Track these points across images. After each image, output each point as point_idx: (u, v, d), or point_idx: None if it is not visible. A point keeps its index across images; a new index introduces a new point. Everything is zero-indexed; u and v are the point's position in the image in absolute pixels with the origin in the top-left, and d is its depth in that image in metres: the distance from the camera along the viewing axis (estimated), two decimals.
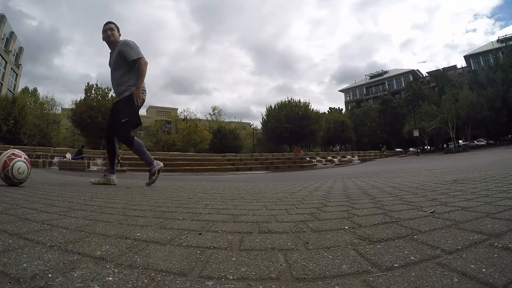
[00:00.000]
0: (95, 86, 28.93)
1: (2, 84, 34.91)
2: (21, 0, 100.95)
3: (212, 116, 46.17)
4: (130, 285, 0.40)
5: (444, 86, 32.03)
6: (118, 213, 1.00)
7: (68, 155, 13.67)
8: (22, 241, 0.61)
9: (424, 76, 45.15)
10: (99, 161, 14.47)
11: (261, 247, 0.60)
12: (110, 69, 2.57)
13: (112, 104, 2.42)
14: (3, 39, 35.94)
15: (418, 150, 26.61)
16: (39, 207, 1.11)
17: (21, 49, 43.33)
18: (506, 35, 34.41)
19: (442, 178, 2.19)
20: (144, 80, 2.47)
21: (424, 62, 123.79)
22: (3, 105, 24.33)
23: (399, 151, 31.02)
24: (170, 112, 55.25)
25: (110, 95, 28.32)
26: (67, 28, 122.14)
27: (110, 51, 2.61)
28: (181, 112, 48.29)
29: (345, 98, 53.96)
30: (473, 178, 1.95)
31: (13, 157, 1.86)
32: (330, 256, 0.53)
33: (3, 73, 35.84)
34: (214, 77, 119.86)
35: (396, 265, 0.47)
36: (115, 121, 2.41)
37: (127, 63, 2.47)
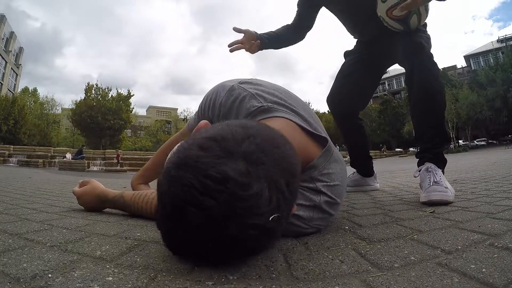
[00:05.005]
0: (95, 86, 28.90)
1: (2, 84, 34.89)
2: (24, 1, 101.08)
3: None
4: (130, 285, 0.40)
5: (444, 86, 32.02)
6: (118, 213, 0.99)
7: (68, 155, 13.67)
8: (22, 241, 0.61)
9: None
10: (99, 161, 14.46)
11: None
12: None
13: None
14: (3, 39, 35.93)
15: (418, 150, 26.64)
16: (39, 207, 1.11)
17: (21, 49, 43.31)
18: (506, 35, 34.38)
19: None
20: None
21: None
22: (3, 105, 24.34)
23: (399, 151, 31.01)
24: (170, 112, 55.27)
25: (110, 95, 28.33)
26: (69, 29, 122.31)
27: None
28: (181, 112, 48.33)
29: None
30: (473, 178, 1.95)
31: None
32: (330, 256, 0.53)
33: (3, 73, 35.83)
34: (215, 78, 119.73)
35: (396, 265, 0.47)
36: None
37: None
